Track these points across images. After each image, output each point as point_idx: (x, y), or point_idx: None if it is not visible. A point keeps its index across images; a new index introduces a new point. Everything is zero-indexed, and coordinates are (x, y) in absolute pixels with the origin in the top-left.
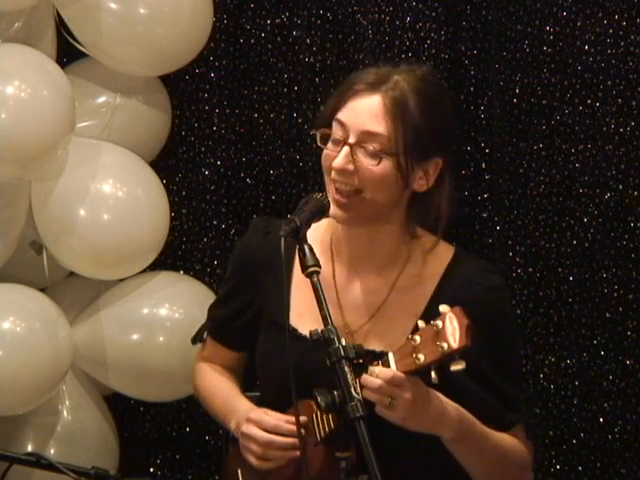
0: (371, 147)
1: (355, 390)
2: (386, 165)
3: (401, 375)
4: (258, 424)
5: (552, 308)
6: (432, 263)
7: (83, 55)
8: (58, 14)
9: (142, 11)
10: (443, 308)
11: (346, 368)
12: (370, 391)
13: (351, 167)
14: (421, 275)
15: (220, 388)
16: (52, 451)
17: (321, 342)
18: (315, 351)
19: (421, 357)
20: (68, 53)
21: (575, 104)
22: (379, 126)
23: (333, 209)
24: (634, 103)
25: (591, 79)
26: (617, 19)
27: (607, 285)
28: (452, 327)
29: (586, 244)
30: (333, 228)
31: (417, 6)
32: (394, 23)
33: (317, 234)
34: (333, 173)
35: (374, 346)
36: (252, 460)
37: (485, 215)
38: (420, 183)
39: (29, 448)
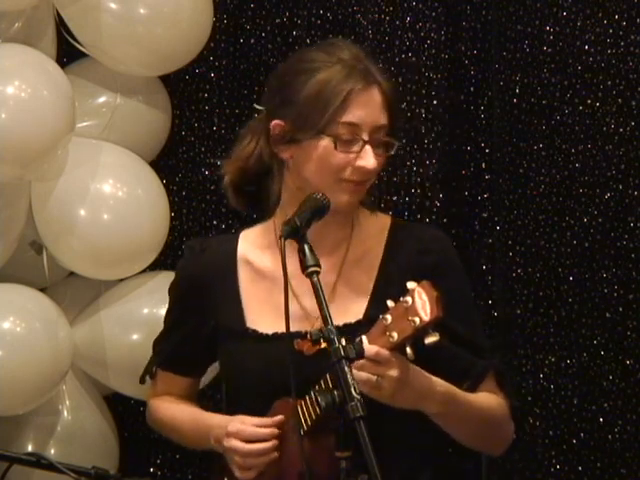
0: (381, 139)
1: (355, 390)
2: (389, 153)
3: (385, 351)
4: (237, 435)
5: (552, 308)
6: (375, 232)
7: (83, 55)
8: (58, 14)
9: (142, 11)
10: (410, 285)
11: (346, 368)
12: (357, 372)
13: None
14: (367, 245)
15: (184, 414)
16: (52, 451)
17: (283, 338)
18: (280, 347)
19: (395, 335)
20: (68, 53)
21: (575, 104)
22: (384, 117)
23: (344, 197)
24: (634, 103)
25: (591, 79)
26: (617, 19)
27: (607, 285)
28: (421, 301)
29: (586, 244)
30: (278, 223)
31: (417, 6)
32: (394, 23)
33: (259, 237)
34: (352, 172)
35: (336, 322)
36: (236, 472)
37: (485, 215)
38: None
39: (29, 448)
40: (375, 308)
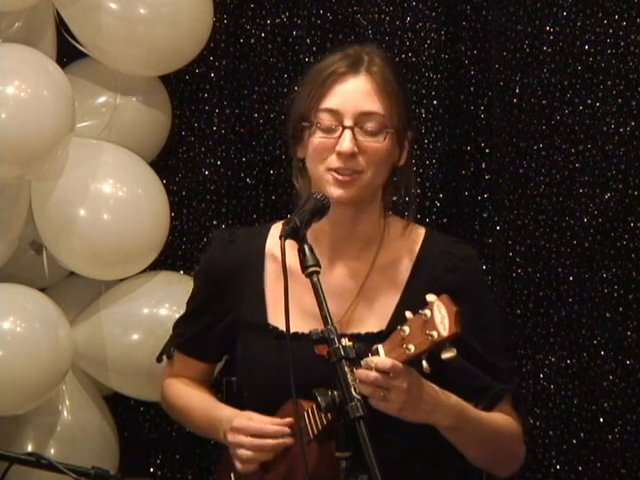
0: (370, 126)
1: (355, 390)
2: (387, 141)
3: (399, 364)
4: (243, 431)
5: (552, 308)
6: (407, 241)
7: (83, 55)
8: (58, 14)
9: (142, 11)
10: (430, 297)
11: (346, 368)
12: (365, 385)
13: (356, 150)
14: (397, 254)
15: (197, 401)
16: (52, 451)
17: (303, 338)
18: (299, 348)
19: (411, 347)
20: (68, 53)
21: (575, 104)
22: (374, 105)
23: (335, 191)
24: (634, 103)
25: (591, 79)
26: (617, 19)
27: (607, 285)
28: (441, 315)
29: (586, 244)
30: None
31: (417, 6)
32: (394, 23)
33: None
34: (336, 160)
35: (358, 329)
36: (237, 465)
37: (485, 215)
38: (401, 157)
39: (29, 448)
40: (399, 320)
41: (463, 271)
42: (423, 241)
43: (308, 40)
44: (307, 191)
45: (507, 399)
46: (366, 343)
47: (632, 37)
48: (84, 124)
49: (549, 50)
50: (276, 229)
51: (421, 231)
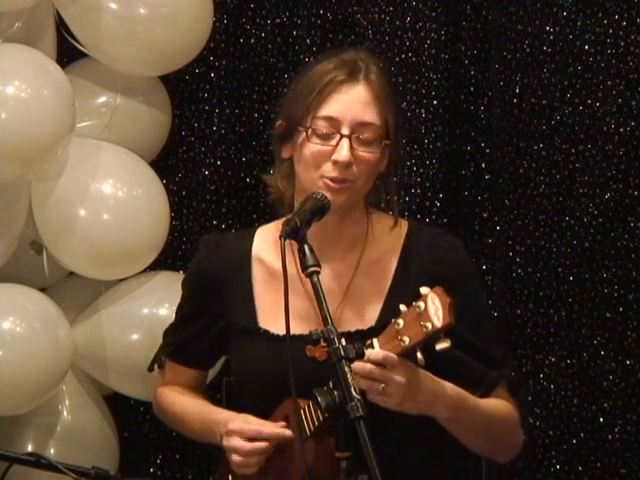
0: (365, 136)
1: (355, 390)
2: (380, 152)
3: (393, 355)
4: (239, 434)
5: (552, 308)
6: (390, 238)
7: (83, 55)
8: (58, 14)
9: (142, 11)
10: (424, 290)
11: (346, 368)
12: (361, 378)
13: (352, 159)
14: (382, 251)
15: (191, 405)
16: (52, 451)
17: (295, 340)
18: (293, 349)
19: (406, 339)
20: (68, 53)
21: (575, 104)
22: (371, 115)
23: (331, 199)
24: (634, 103)
25: (591, 79)
26: (617, 19)
27: (607, 285)
28: (435, 307)
29: (586, 244)
30: None
31: (417, 6)
32: (394, 23)
33: (274, 235)
34: (331, 169)
35: (348, 328)
36: (235, 469)
37: (485, 215)
38: (387, 164)
39: (29, 448)
40: (388, 315)
41: (450, 262)
42: (406, 235)
43: (308, 40)
44: (290, 192)
45: (503, 385)
46: (358, 341)
47: (632, 37)
48: (84, 124)
49: (549, 50)
50: (262, 232)
51: (404, 225)
